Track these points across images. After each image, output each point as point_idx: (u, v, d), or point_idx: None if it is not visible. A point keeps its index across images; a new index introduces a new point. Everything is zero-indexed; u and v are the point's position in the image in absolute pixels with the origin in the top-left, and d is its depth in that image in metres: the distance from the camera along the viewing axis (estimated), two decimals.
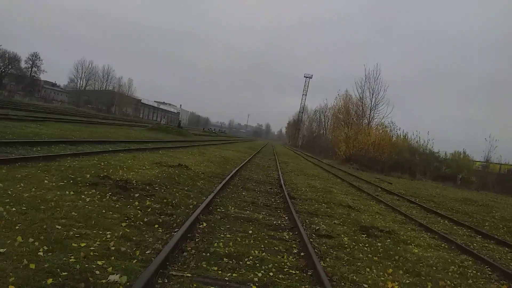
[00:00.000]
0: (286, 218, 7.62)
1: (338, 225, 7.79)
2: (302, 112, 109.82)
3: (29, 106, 39.46)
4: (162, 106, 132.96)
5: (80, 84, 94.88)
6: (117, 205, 5.72)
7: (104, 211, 5.29)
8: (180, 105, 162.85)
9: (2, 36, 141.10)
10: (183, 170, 10.96)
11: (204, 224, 5.81)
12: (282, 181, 13.02)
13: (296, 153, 55.69)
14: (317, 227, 7.13)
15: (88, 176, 7.32)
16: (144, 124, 50.52)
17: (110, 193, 6.36)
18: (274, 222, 6.99)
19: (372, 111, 47.54)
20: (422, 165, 38.19)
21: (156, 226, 5.25)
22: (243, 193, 9.76)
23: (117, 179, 7.59)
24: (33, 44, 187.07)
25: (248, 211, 7.60)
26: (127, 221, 5.14)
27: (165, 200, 6.71)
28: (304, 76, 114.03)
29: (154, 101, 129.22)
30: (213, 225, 5.94)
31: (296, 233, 6.35)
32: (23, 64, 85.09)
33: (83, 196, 5.78)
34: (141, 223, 5.21)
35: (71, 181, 6.59)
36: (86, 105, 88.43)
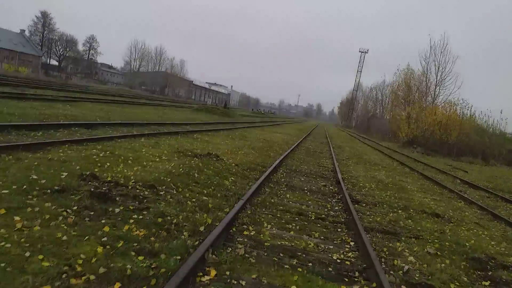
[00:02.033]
0: (353, 244, 4.91)
1: (435, 257, 4.94)
2: (357, 90, 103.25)
3: (77, 87, 39.49)
4: (213, 87, 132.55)
5: (134, 65, 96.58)
6: (65, 237, 3.36)
7: (28, 254, 2.96)
8: (231, 86, 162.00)
9: (60, 20, 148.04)
10: (211, 161, 8.53)
11: (212, 274, 3.30)
12: (339, 175, 10.20)
13: (350, 135, 51.66)
14: (405, 266, 4.36)
15: (63, 175, 5.11)
16: (192, 105, 49.20)
17: (74, 208, 4.05)
18: (335, 258, 4.32)
19: (438, 87, 42.41)
20: (495, 148, 33.05)
21: (118, 286, 2.84)
22: (287, 196, 7.14)
23: (106, 180, 5.33)
24: (89, 27, 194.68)
25: (292, 232, 5.01)
26: (63, 276, 2.78)
27: (160, 219, 4.27)
28: (359, 51, 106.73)
29: (206, 83, 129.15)
30: (227, 274, 3.40)
31: (375, 286, 3.66)
32: (80, 47, 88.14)
33: (16, 219, 3.49)
34: (92, 279, 2.83)
35: (25, 187, 4.37)
36: (140, 86, 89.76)
